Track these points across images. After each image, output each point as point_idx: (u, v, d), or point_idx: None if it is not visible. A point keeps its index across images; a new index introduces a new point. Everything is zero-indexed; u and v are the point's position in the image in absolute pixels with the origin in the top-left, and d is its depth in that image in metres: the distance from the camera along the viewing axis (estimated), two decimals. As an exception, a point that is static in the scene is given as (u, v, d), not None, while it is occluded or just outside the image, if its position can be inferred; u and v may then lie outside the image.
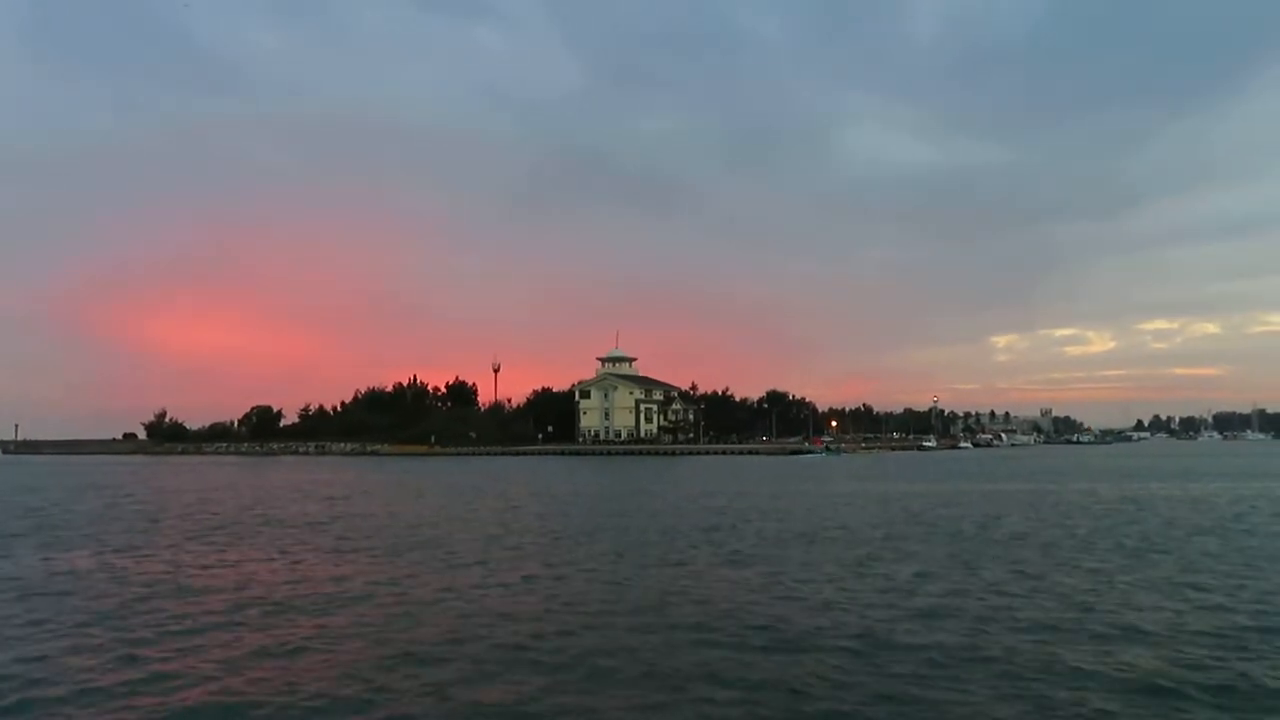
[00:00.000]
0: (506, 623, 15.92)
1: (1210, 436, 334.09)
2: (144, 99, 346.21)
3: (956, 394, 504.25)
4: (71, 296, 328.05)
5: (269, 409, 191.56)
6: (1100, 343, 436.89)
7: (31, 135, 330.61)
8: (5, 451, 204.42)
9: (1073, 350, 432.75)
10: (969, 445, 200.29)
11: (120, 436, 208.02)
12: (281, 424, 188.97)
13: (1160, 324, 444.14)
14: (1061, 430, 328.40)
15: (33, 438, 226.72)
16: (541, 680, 12.25)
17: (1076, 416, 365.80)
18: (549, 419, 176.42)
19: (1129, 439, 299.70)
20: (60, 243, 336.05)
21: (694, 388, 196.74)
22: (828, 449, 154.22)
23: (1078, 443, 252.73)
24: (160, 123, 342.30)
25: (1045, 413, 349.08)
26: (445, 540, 28.41)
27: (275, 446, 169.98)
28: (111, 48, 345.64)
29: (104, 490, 58.28)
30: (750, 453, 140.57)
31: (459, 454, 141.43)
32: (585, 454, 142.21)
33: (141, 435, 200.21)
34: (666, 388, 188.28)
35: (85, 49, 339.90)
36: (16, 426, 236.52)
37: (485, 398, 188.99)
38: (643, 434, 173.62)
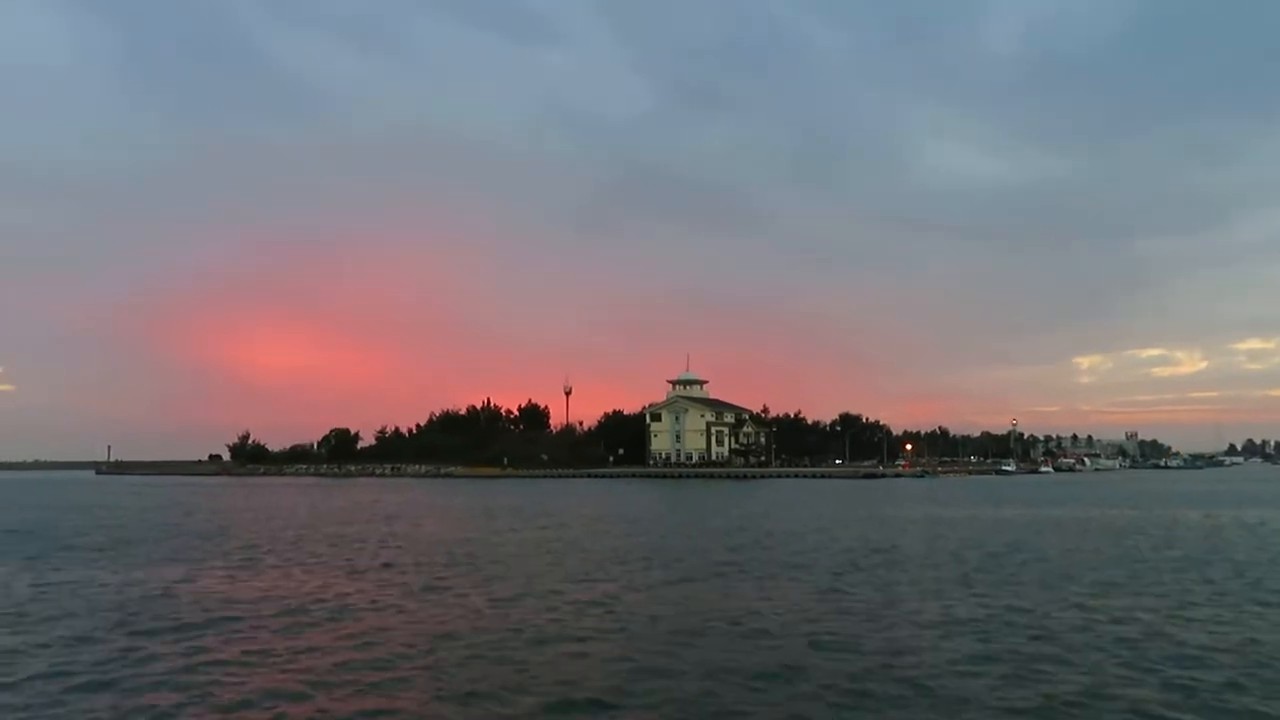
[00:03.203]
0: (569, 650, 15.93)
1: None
2: (219, 123, 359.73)
3: (1036, 416, 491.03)
4: (156, 318, 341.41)
5: (346, 431, 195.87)
6: (1190, 363, 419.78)
7: (115, 159, 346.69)
8: (98, 473, 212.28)
9: (1160, 371, 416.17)
10: (1050, 470, 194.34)
11: (206, 458, 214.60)
12: (359, 446, 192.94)
13: (1254, 343, 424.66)
14: (1148, 454, 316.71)
15: (123, 459, 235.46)
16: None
17: (1164, 440, 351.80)
18: (620, 441, 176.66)
19: (1221, 464, 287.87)
20: (145, 265, 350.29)
21: (765, 410, 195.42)
22: (926, 473, 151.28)
23: (1165, 467, 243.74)
24: (234, 146, 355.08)
25: (1131, 436, 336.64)
26: (515, 563, 28.61)
27: (353, 468, 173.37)
28: (192, 75, 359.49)
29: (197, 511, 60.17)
30: (824, 476, 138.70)
31: (530, 476, 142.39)
32: (656, 477, 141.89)
33: (226, 456, 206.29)
34: (737, 410, 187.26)
35: (168, 76, 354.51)
36: (109, 448, 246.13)
37: (557, 420, 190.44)
38: (714, 457, 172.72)
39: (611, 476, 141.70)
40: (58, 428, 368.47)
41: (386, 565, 28.23)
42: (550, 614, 19.28)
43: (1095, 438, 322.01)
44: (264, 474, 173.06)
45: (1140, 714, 11.81)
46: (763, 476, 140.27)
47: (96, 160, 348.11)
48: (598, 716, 11.92)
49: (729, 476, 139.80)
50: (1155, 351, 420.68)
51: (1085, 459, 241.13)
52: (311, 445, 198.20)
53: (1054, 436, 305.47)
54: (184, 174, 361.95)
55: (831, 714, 11.93)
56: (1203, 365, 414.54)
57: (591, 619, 18.70)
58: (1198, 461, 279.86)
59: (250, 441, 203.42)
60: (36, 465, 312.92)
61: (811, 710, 12.07)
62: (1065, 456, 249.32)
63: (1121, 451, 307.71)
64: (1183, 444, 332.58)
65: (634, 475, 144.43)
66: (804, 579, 24.46)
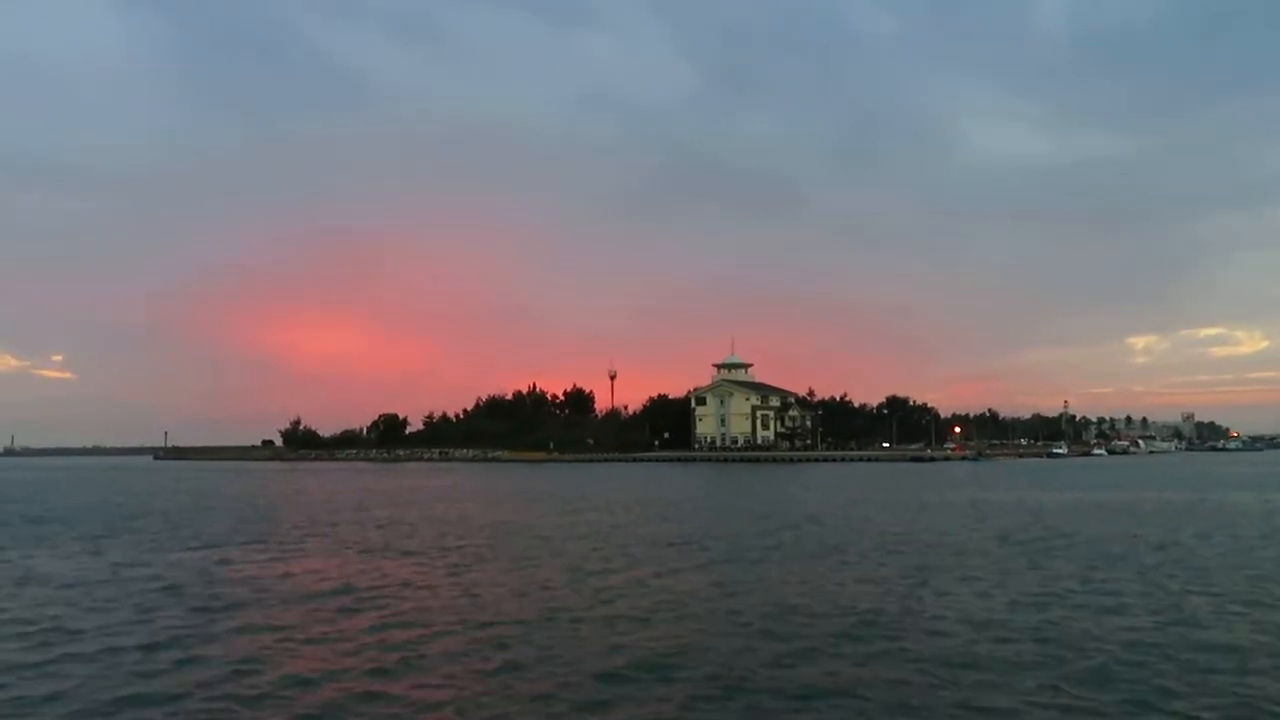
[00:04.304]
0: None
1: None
2: (266, 115, 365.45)
3: (1089, 398, 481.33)
4: (210, 308, 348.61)
5: (395, 416, 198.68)
6: (1250, 342, 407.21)
7: (167, 153, 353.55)
8: (156, 458, 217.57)
9: (1218, 351, 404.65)
10: (1103, 452, 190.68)
11: (259, 443, 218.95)
12: (407, 430, 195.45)
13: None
14: (1205, 436, 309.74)
15: (180, 444, 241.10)
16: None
17: (1222, 421, 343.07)
18: (665, 426, 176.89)
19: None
20: (199, 255, 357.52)
21: (811, 393, 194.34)
22: (980, 455, 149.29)
23: (1223, 449, 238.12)
24: (282, 138, 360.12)
25: (1187, 417, 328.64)
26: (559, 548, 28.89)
27: (401, 453, 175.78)
28: (238, 69, 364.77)
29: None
30: (870, 459, 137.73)
31: (576, 460, 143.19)
32: (701, 461, 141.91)
33: (278, 442, 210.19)
34: (783, 394, 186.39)
35: (215, 70, 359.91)
36: (166, 434, 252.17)
37: (602, 404, 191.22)
38: (759, 440, 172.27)
39: (656, 460, 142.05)
40: (117, 415, 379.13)
41: (431, 548, 28.63)
42: (587, 596, 19.44)
43: (1150, 419, 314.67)
44: (315, 459, 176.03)
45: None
46: (808, 460, 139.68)
47: (149, 154, 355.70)
48: (625, 695, 12.02)
49: (774, 460, 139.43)
50: (1213, 331, 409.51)
51: (1139, 441, 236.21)
52: (361, 430, 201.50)
53: (1107, 418, 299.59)
54: (234, 166, 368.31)
55: (835, 699, 11.94)
56: (1263, 345, 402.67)
57: (627, 601, 18.81)
58: (1257, 443, 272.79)
59: (301, 427, 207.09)
60: (96, 451, 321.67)
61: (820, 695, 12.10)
62: (1119, 438, 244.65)
63: (1177, 433, 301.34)
64: (1242, 425, 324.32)
65: (679, 459, 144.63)
66: (839, 564, 24.38)
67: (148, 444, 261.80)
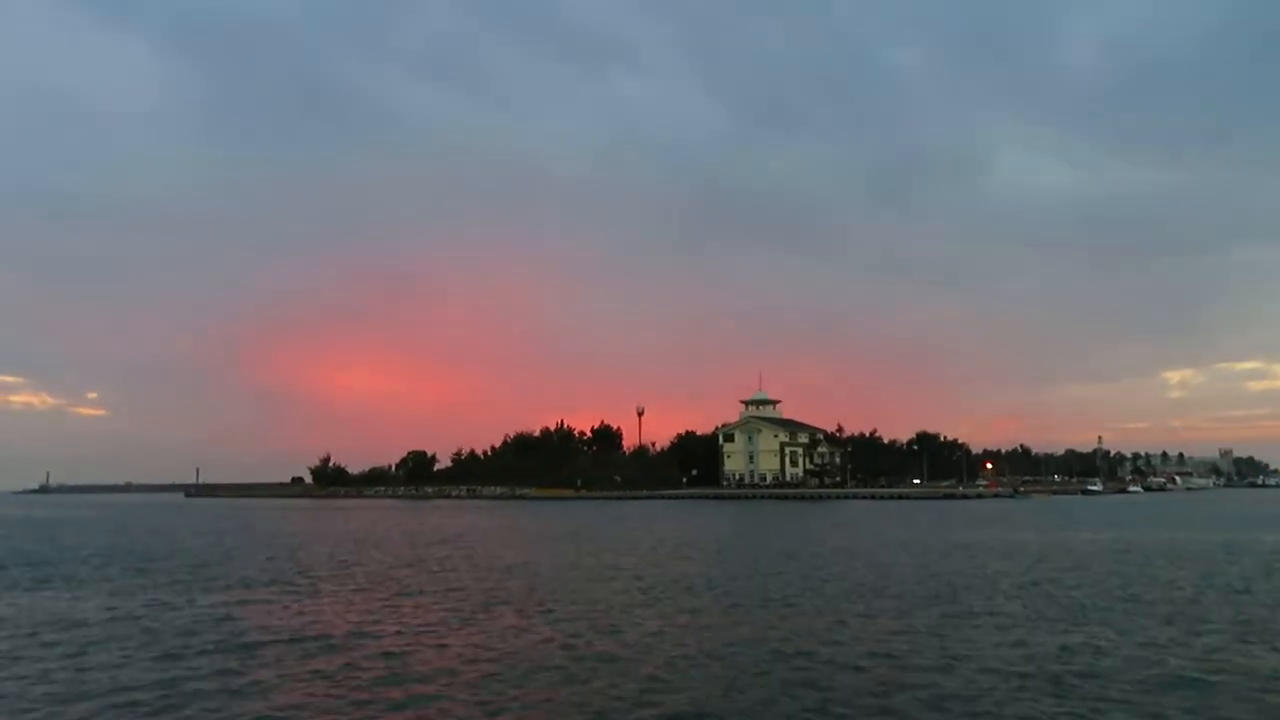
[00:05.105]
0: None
1: None
2: (299, 154, 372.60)
3: (1124, 433, 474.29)
4: (241, 345, 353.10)
5: (423, 454, 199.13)
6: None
7: (200, 190, 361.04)
8: (187, 495, 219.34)
9: (1255, 385, 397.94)
10: (1139, 489, 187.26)
11: (289, 480, 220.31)
12: (435, 468, 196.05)
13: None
14: (1244, 472, 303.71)
15: (211, 481, 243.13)
16: None
17: (1261, 457, 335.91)
18: (693, 462, 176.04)
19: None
20: (231, 293, 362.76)
21: (840, 429, 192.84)
22: (1016, 492, 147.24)
23: (1263, 485, 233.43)
24: (313, 176, 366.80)
25: (1225, 453, 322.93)
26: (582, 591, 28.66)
27: (429, 490, 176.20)
28: (272, 108, 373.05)
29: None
30: (900, 497, 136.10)
31: (604, 498, 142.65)
32: (729, 498, 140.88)
33: (308, 479, 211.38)
34: (811, 430, 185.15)
35: (250, 110, 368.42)
36: (198, 470, 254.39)
37: (630, 441, 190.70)
38: (788, 477, 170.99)
39: (684, 498, 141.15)
40: (150, 453, 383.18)
41: (450, 589, 28.49)
42: (602, 640, 19.25)
43: (1187, 455, 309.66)
44: (345, 496, 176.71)
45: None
46: (837, 497, 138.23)
47: (184, 193, 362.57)
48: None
49: (803, 498, 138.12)
50: (1250, 365, 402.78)
51: (1176, 477, 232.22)
52: (390, 468, 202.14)
53: (1142, 454, 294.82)
54: (266, 203, 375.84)
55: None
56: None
57: (641, 649, 18.60)
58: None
59: (331, 464, 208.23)
60: (129, 488, 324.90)
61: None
62: (1155, 475, 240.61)
63: (1215, 469, 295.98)
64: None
65: (707, 496, 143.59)
66: (858, 613, 24.00)
67: (180, 481, 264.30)
